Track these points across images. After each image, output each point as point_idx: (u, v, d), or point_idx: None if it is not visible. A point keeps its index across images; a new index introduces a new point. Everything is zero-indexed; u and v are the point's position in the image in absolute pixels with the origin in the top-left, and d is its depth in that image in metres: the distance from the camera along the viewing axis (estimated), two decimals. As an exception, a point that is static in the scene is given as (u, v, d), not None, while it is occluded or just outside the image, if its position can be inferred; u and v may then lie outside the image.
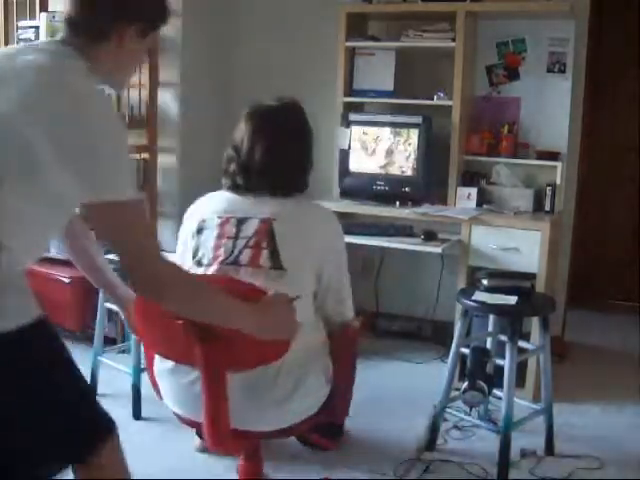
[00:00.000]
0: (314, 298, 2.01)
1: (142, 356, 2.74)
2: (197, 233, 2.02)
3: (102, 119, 1.42)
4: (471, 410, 2.96)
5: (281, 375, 1.86)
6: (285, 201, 2.03)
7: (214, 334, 1.64)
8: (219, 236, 1.98)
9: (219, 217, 2.01)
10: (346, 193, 3.76)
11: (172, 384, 1.96)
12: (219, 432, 1.79)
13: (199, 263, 1.97)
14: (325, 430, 2.30)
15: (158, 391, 2.05)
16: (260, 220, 1.97)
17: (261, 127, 2.06)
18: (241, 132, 2.09)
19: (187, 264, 1.98)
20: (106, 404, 1.59)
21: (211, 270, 1.94)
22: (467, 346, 2.79)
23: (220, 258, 1.95)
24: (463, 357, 2.86)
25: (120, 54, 1.55)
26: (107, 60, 1.54)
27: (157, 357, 1.99)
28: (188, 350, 1.72)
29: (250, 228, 1.97)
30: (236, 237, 1.97)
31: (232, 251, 1.95)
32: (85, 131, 1.38)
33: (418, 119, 3.57)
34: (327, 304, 2.05)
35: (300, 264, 1.95)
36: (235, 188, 2.06)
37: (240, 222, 1.98)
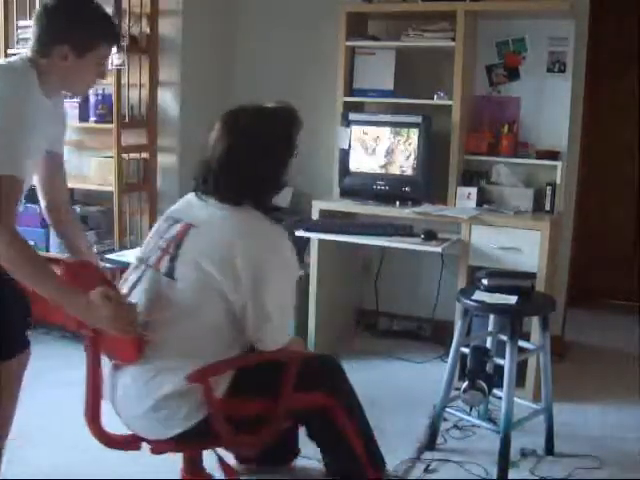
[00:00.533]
0: (231, 315, 1.89)
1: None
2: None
3: None
4: (471, 410, 2.96)
5: (151, 385, 1.86)
6: (228, 209, 1.91)
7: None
8: (155, 232, 2.03)
9: (165, 215, 2.05)
10: (346, 193, 3.76)
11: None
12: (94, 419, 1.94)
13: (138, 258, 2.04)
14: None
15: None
16: (183, 225, 1.93)
17: (229, 128, 1.95)
18: (212, 131, 2.00)
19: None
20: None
21: (131, 266, 2.02)
22: (467, 346, 2.78)
23: (139, 255, 2.02)
24: (463, 357, 2.86)
25: (64, 68, 1.94)
26: (54, 72, 1.94)
27: None
28: None
29: (174, 231, 1.94)
30: (161, 236, 1.98)
31: (151, 249, 1.98)
32: None
33: (418, 119, 3.57)
34: (246, 328, 1.91)
35: (193, 279, 1.85)
36: (196, 189, 2.01)
37: (173, 223, 1.98)
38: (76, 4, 1.98)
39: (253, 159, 1.93)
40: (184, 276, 1.86)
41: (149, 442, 1.97)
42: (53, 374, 3.23)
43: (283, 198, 3.98)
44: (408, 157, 3.60)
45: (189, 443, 1.95)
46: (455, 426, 2.95)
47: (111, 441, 2.00)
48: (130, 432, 1.99)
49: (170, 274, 1.87)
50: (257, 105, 2.01)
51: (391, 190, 3.63)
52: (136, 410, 1.89)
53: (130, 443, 2.01)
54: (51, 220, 2.22)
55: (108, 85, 3.69)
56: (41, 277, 1.79)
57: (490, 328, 2.92)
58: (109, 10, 3.56)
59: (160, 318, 1.88)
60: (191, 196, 2.05)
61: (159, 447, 1.96)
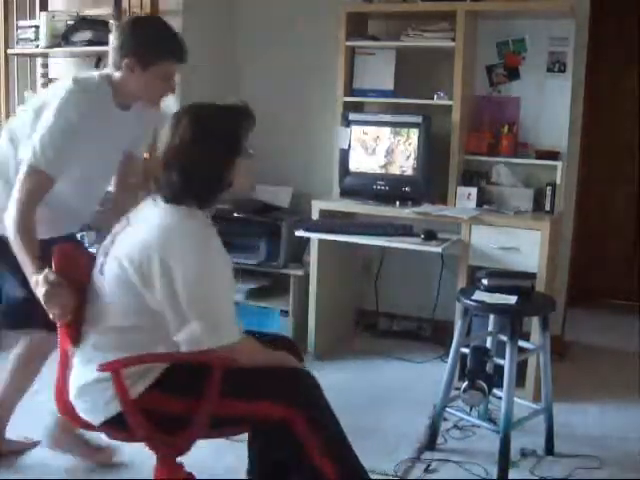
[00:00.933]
0: (151, 314, 1.87)
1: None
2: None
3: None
4: (471, 410, 2.96)
5: (81, 371, 1.96)
6: (164, 210, 1.90)
7: None
8: (111, 233, 2.04)
9: (124, 218, 2.06)
10: (346, 193, 3.76)
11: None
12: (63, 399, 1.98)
13: None
14: None
15: None
16: (125, 223, 2.00)
17: (173, 126, 1.90)
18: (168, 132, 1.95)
19: None
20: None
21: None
22: (467, 346, 2.78)
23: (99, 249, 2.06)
24: (463, 357, 2.86)
25: (133, 80, 2.24)
26: (127, 84, 2.26)
27: None
28: None
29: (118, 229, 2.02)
30: (113, 236, 2.02)
31: (101, 250, 2.03)
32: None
33: (418, 119, 3.57)
34: (169, 330, 1.87)
35: (114, 275, 1.89)
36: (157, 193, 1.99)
37: (124, 224, 2.01)
38: (146, 22, 2.42)
39: (194, 158, 1.88)
40: (108, 273, 1.92)
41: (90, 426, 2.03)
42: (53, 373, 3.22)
43: (283, 198, 4.04)
44: (408, 157, 3.60)
45: (115, 432, 1.99)
46: (455, 426, 2.95)
47: (74, 419, 2.03)
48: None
49: (101, 270, 1.95)
50: (206, 103, 1.97)
51: (391, 190, 3.63)
52: (72, 393, 1.97)
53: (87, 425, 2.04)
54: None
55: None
56: (20, 247, 2.05)
57: (490, 328, 2.92)
58: (109, 10, 3.60)
59: (91, 311, 1.97)
60: (149, 199, 2.03)
61: (93, 430, 2.04)
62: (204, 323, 1.83)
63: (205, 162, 1.90)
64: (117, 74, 2.26)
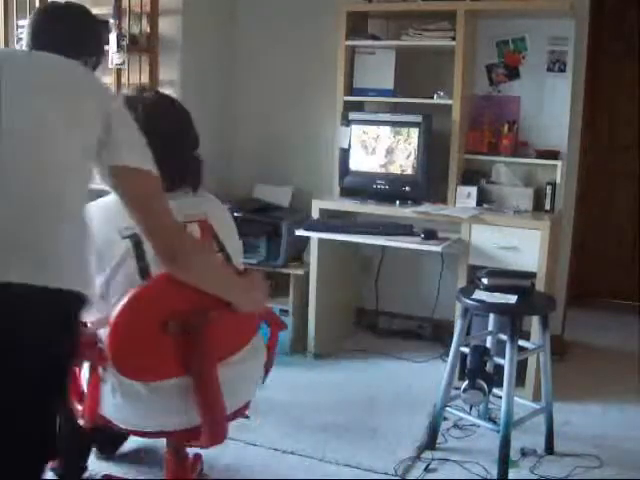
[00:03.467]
0: None
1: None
2: (136, 246, 1.79)
3: None
4: (471, 409, 2.96)
5: (238, 363, 1.91)
6: (198, 198, 1.99)
7: (204, 324, 1.74)
8: None
9: None
10: (346, 192, 3.76)
11: (124, 398, 1.82)
12: (221, 427, 1.84)
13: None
14: None
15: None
16: (197, 223, 1.88)
17: (153, 121, 1.87)
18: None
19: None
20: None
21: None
22: (467, 345, 2.79)
23: None
24: (463, 356, 2.86)
25: None
26: None
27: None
28: (175, 360, 1.75)
29: (195, 233, 1.86)
30: None
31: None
32: None
33: (418, 118, 3.57)
34: None
35: (237, 260, 1.98)
36: None
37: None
38: (91, 17, 1.93)
39: (188, 149, 2.00)
40: (235, 261, 1.98)
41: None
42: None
43: (283, 198, 4.04)
44: (408, 156, 3.60)
45: None
46: (455, 425, 2.95)
47: None
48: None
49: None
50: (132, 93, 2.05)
51: (391, 189, 3.63)
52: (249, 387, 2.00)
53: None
54: None
55: (108, 84, 3.70)
56: (222, 275, 1.83)
57: (490, 327, 2.92)
58: (109, 10, 3.60)
59: None
60: None
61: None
62: None
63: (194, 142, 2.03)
64: None
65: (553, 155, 3.55)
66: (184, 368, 1.77)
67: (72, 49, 1.73)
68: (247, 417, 2.06)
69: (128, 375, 1.76)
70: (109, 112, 1.58)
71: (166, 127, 1.93)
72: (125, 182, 1.60)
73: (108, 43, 2.16)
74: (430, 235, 3.35)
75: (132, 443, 2.60)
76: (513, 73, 3.68)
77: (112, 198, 1.75)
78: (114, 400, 1.81)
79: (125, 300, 1.70)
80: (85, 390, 1.87)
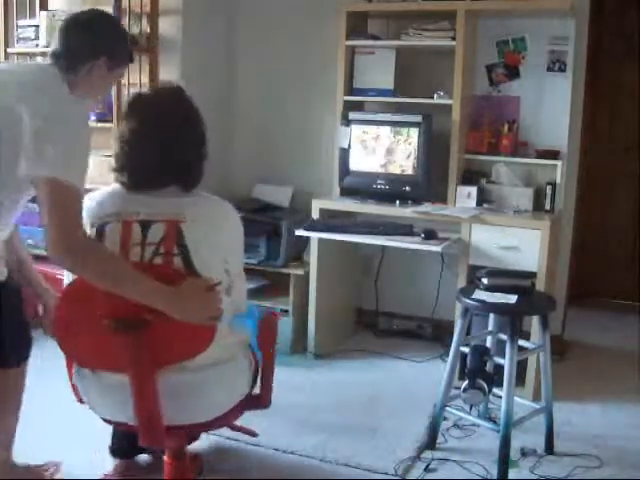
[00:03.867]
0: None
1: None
2: (97, 236, 1.92)
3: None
4: (471, 409, 2.96)
5: (206, 369, 1.91)
6: (187, 198, 1.97)
7: (142, 327, 1.78)
8: (124, 243, 1.89)
9: (120, 221, 1.91)
10: (346, 192, 3.76)
11: (97, 388, 1.95)
12: (155, 430, 1.86)
13: None
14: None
15: (78, 394, 2.06)
16: (166, 223, 1.88)
17: (149, 117, 1.97)
18: (126, 125, 1.96)
19: None
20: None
21: None
22: (467, 345, 2.79)
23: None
24: (463, 356, 2.86)
25: (93, 81, 2.03)
26: (81, 85, 2.00)
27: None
28: (117, 355, 1.80)
29: (157, 233, 1.88)
30: (143, 244, 1.89)
31: (141, 260, 1.88)
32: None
33: (418, 118, 3.56)
34: (232, 297, 2.00)
35: (210, 265, 1.91)
36: (131, 185, 1.96)
37: (144, 226, 1.89)
38: (109, 20, 2.13)
39: (187, 143, 1.99)
40: (206, 267, 1.89)
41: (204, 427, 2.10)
42: (53, 374, 3.22)
43: (283, 197, 4.04)
44: (408, 156, 3.60)
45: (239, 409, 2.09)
46: (455, 425, 2.95)
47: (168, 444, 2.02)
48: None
49: (192, 272, 1.87)
50: (150, 90, 2.17)
51: (391, 189, 3.63)
52: (218, 393, 1.98)
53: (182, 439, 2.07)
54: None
55: (108, 84, 3.69)
56: (129, 280, 1.79)
57: (490, 327, 2.92)
58: (109, 10, 3.60)
59: None
60: (122, 192, 1.98)
61: (215, 425, 2.12)
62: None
63: (199, 143, 2.03)
64: (71, 75, 2.00)
65: (553, 155, 3.55)
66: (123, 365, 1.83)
67: (70, 56, 1.98)
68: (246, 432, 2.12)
69: (68, 354, 1.97)
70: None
71: (155, 126, 1.96)
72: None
73: (122, 42, 2.13)
74: (430, 235, 3.35)
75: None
76: (513, 73, 3.68)
77: (106, 189, 2.01)
78: (75, 377, 2.02)
79: (71, 282, 1.87)
80: None
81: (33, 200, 2.49)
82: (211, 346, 1.87)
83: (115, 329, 1.78)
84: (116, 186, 2.00)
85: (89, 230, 1.92)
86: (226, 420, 2.09)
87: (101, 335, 1.81)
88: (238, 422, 2.23)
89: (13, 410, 2.27)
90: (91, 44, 2.01)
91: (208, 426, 2.10)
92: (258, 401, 2.20)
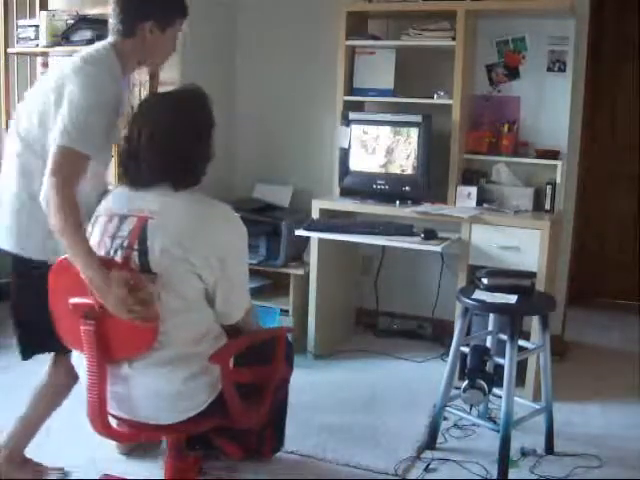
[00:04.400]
0: (205, 294, 1.96)
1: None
2: (91, 229, 2.02)
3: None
4: (471, 409, 2.96)
5: (172, 371, 1.91)
6: (173, 196, 1.95)
7: (96, 317, 1.86)
8: (102, 234, 1.97)
9: (106, 214, 1.99)
10: (346, 192, 3.76)
11: (82, 368, 1.99)
12: (100, 415, 1.92)
13: None
14: (237, 436, 2.35)
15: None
16: (137, 218, 1.92)
17: (147, 114, 2.00)
18: (134, 124, 2.01)
19: None
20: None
21: None
22: (467, 345, 2.79)
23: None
24: (463, 356, 2.86)
25: (148, 45, 2.14)
26: (137, 50, 2.15)
27: None
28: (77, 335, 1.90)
29: (127, 227, 1.92)
30: (114, 236, 1.94)
31: (108, 251, 1.93)
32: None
33: (418, 118, 3.56)
34: (216, 303, 1.98)
35: (173, 267, 1.88)
36: (130, 182, 2.00)
37: (121, 220, 1.95)
38: None
39: (184, 143, 1.97)
40: (163, 267, 1.88)
41: (158, 430, 2.04)
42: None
43: (283, 197, 4.04)
44: (408, 156, 3.60)
45: (201, 423, 2.02)
46: (455, 425, 2.95)
47: (120, 436, 2.06)
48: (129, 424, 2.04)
49: (147, 269, 1.88)
50: (166, 92, 2.11)
51: (391, 189, 3.63)
52: (159, 400, 1.94)
53: (133, 436, 2.10)
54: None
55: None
56: (72, 232, 1.88)
57: (490, 327, 2.92)
58: (109, 10, 3.59)
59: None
60: (123, 190, 2.03)
61: (171, 432, 2.06)
62: (244, 287, 2.06)
63: (198, 145, 2.00)
64: (126, 41, 2.15)
65: (553, 155, 3.55)
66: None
67: (122, 20, 2.13)
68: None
69: (55, 328, 2.01)
70: None
71: (150, 123, 1.97)
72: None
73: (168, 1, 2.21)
74: (430, 235, 3.35)
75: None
76: (513, 73, 3.68)
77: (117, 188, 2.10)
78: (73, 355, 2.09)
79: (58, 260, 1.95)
80: None
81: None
82: (164, 349, 1.88)
83: (75, 313, 1.87)
84: (122, 187, 2.05)
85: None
86: (183, 429, 2.06)
87: (72, 316, 1.90)
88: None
89: (57, 403, 2.37)
90: (136, 5, 2.12)
91: (169, 431, 2.07)
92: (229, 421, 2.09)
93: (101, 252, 1.93)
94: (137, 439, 2.09)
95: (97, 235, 1.98)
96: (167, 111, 1.99)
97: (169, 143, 1.95)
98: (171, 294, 1.88)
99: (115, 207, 1.99)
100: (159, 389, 1.92)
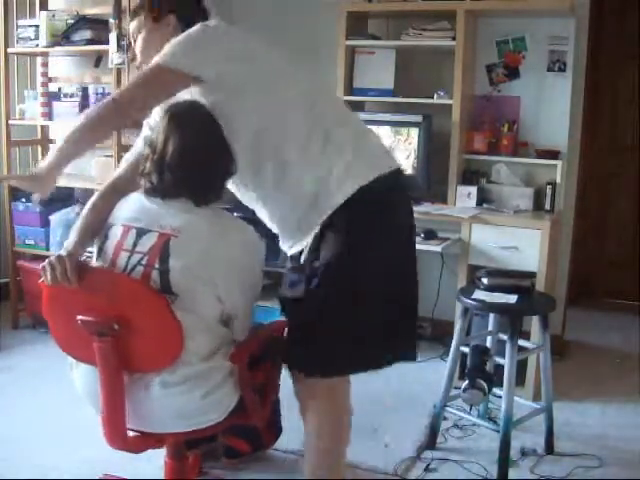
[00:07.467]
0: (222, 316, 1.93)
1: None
2: (104, 237, 1.94)
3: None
4: (471, 409, 2.96)
5: (190, 390, 1.85)
6: (195, 211, 1.88)
7: (109, 334, 1.78)
8: (117, 247, 1.88)
9: (122, 225, 1.90)
10: (346, 192, 3.75)
11: (89, 382, 1.92)
12: (116, 430, 1.87)
13: None
14: (244, 433, 2.34)
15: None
16: (159, 235, 1.84)
17: (177, 123, 1.88)
18: (158, 129, 1.92)
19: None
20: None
21: None
22: (467, 345, 2.79)
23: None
24: (463, 356, 2.86)
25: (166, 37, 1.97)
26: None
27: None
28: (89, 348, 1.82)
29: (147, 243, 1.84)
30: (132, 251, 1.85)
31: (125, 266, 1.85)
32: None
33: (418, 118, 3.57)
34: (234, 325, 1.98)
35: (194, 288, 1.83)
36: (150, 190, 1.91)
37: (139, 234, 1.86)
38: None
39: (210, 156, 1.90)
40: (183, 288, 1.82)
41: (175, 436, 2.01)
42: (53, 373, 3.22)
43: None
44: (408, 156, 3.60)
45: (218, 426, 1.99)
46: (455, 425, 2.95)
47: (137, 447, 2.00)
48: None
49: (167, 290, 1.81)
50: (188, 101, 1.94)
51: (391, 189, 3.62)
52: (179, 418, 1.89)
53: (150, 444, 2.04)
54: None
55: (108, 84, 3.70)
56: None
57: (490, 327, 2.92)
58: (109, 9, 3.60)
59: None
60: (138, 197, 1.95)
61: (189, 436, 2.03)
62: (250, 311, 2.10)
63: (222, 159, 1.92)
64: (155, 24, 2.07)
65: (553, 155, 3.55)
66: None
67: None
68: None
69: (52, 334, 1.97)
70: None
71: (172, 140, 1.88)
72: None
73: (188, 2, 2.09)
74: (430, 235, 3.35)
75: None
76: (513, 73, 3.68)
77: (132, 194, 1.98)
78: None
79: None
80: None
81: (28, 199, 2.50)
82: (180, 367, 1.83)
83: (86, 329, 1.79)
84: (137, 194, 1.96)
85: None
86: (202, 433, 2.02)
87: (77, 328, 1.83)
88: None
89: None
90: None
91: (182, 438, 2.05)
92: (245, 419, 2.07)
93: (116, 267, 1.86)
94: (152, 446, 2.04)
95: (111, 247, 1.89)
96: (198, 124, 1.89)
97: (199, 159, 1.88)
98: (190, 315, 1.82)
99: (131, 217, 1.90)
100: (179, 407, 1.87)
